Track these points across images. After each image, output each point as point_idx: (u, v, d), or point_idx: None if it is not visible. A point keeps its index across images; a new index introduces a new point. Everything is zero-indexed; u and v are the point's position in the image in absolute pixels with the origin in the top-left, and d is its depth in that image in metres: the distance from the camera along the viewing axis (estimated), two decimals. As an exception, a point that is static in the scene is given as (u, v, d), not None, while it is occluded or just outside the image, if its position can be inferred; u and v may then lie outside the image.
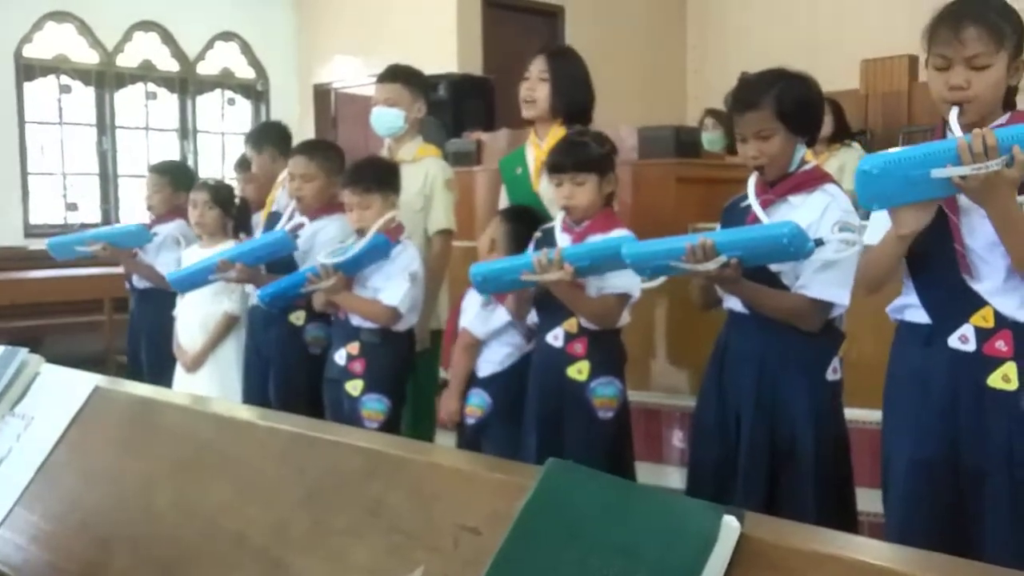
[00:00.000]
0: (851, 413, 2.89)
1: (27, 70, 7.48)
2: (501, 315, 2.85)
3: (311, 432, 1.27)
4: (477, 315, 2.85)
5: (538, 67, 3.04)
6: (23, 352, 1.99)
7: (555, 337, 2.66)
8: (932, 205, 1.83)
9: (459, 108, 6.42)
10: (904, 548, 0.87)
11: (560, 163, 2.64)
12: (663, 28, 8.92)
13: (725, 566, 0.84)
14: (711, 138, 5.27)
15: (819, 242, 2.13)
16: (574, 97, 3.04)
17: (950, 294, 1.89)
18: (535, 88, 3.03)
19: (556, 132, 3.00)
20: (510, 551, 0.89)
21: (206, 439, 1.38)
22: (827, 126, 4.77)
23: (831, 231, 2.17)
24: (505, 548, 0.89)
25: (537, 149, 3.07)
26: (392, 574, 1.01)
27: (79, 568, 1.44)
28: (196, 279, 3.45)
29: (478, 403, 2.88)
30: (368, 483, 1.12)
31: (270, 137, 4.06)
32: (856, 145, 5.06)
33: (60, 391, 1.86)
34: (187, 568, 1.27)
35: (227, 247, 3.64)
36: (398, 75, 3.48)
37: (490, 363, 2.90)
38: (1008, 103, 1.91)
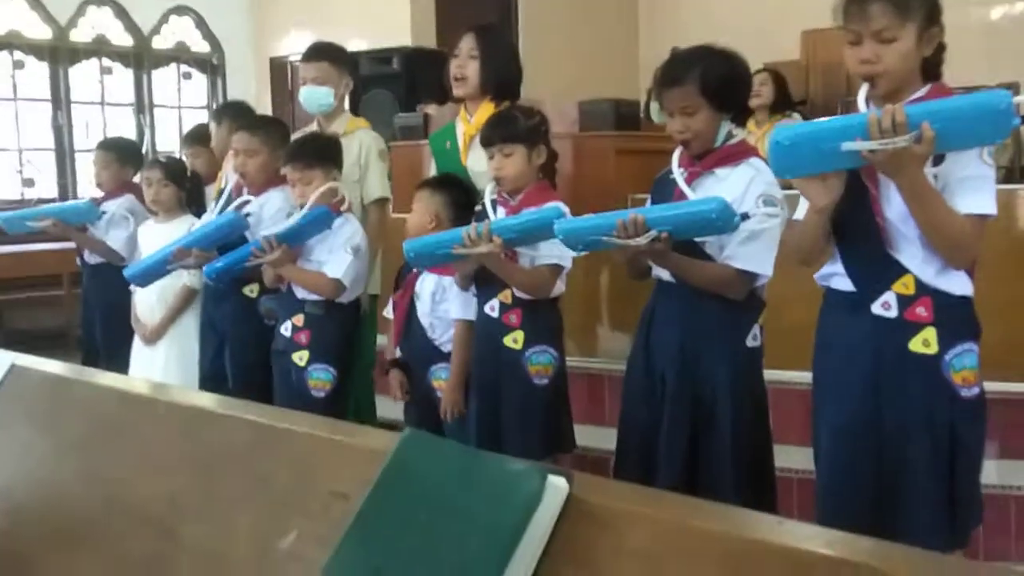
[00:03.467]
0: (781, 375, 2.98)
1: (-21, 47, 7.40)
2: None
3: (207, 407, 1.32)
4: (463, 301, 2.84)
5: (467, 44, 3.04)
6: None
7: (491, 308, 2.71)
8: (839, 179, 1.87)
9: (413, 81, 6.41)
10: (718, 505, 0.93)
11: (489, 136, 2.71)
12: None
13: (551, 524, 0.90)
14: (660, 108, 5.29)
15: (744, 216, 2.18)
16: (503, 73, 3.06)
17: (872, 263, 1.94)
18: (465, 65, 3.04)
19: (485, 108, 3.03)
20: (367, 515, 0.96)
21: (111, 415, 1.42)
22: (769, 96, 4.87)
23: (755, 204, 2.22)
24: (362, 512, 0.96)
25: (466, 124, 3.10)
26: (271, 539, 1.09)
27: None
28: (154, 272, 3.40)
29: None
30: (255, 455, 1.18)
31: (229, 111, 4.06)
32: (797, 115, 5.06)
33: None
34: (88, 537, 1.32)
35: (184, 221, 3.64)
36: (323, 53, 3.49)
37: None
38: (931, 74, 1.94)
